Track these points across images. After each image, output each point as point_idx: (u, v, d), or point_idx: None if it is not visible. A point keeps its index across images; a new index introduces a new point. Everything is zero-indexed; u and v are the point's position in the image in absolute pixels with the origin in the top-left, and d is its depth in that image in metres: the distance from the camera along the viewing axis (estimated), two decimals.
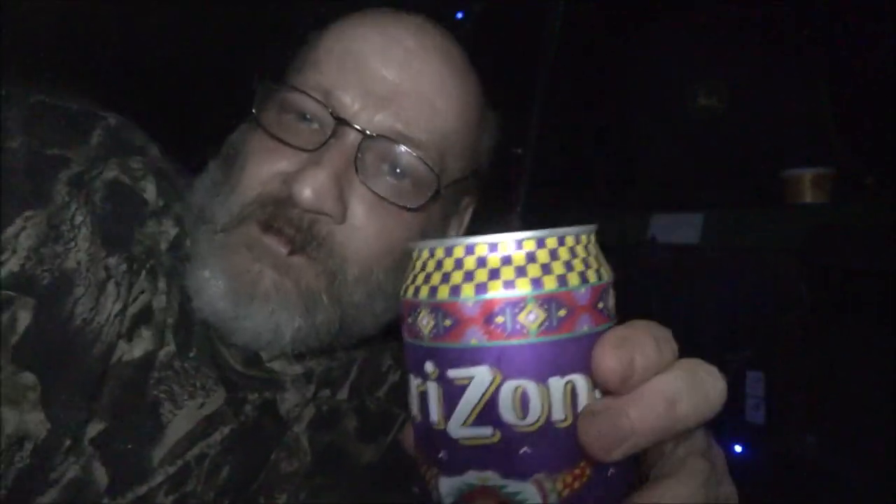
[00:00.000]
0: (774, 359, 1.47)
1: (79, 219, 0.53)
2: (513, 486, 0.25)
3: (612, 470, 0.26)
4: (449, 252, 0.27)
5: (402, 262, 0.54)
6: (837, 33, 1.39)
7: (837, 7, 1.36)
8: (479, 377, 0.25)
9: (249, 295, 0.52)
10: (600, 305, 0.27)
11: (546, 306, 0.25)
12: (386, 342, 0.64)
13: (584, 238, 0.28)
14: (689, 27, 1.74)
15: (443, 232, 0.61)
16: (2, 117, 0.52)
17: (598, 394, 0.26)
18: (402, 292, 0.29)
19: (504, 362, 0.25)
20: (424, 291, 0.27)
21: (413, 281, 0.28)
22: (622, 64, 1.89)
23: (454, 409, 0.26)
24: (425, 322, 0.27)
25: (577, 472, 0.25)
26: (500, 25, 1.80)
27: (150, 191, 0.57)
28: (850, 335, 1.39)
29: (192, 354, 0.55)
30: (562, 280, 0.26)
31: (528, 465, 0.25)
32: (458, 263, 0.27)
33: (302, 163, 0.53)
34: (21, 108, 0.53)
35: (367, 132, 0.53)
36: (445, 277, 0.27)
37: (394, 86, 0.54)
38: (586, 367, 0.26)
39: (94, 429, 0.51)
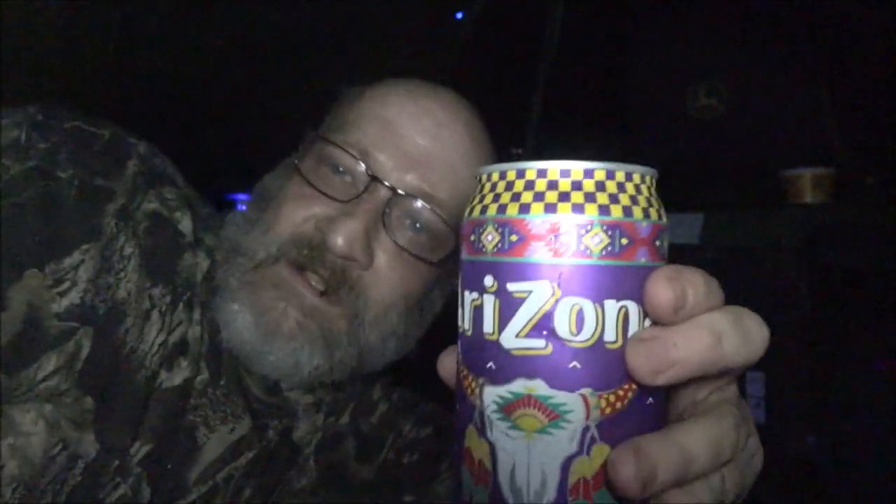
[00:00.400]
0: (774, 359, 1.47)
1: (127, 250, 0.56)
2: (559, 397, 0.26)
3: (650, 399, 0.27)
4: (521, 174, 0.28)
5: (412, 310, 0.62)
6: (838, 33, 1.39)
7: (838, 7, 1.36)
8: (539, 291, 0.26)
9: (274, 331, 0.56)
10: (657, 243, 0.28)
11: (610, 232, 0.27)
12: (378, 376, 0.69)
13: (648, 179, 0.29)
14: (689, 27, 1.74)
15: (445, 285, 0.66)
16: (48, 146, 0.54)
17: (648, 323, 0.27)
18: (466, 213, 0.30)
19: (564, 279, 0.26)
20: (493, 209, 0.28)
21: (480, 201, 0.30)
22: (622, 64, 1.89)
23: (509, 320, 0.27)
24: (490, 238, 0.28)
25: (620, 393, 0.26)
26: (500, 25, 1.80)
27: (185, 223, 0.60)
28: (850, 335, 1.39)
29: (222, 383, 0.59)
30: (627, 211, 0.27)
31: (576, 379, 0.26)
32: (529, 185, 0.28)
33: (335, 211, 0.58)
34: (63, 136, 0.55)
35: (397, 190, 0.58)
36: (515, 197, 0.28)
37: (424, 151, 0.61)
38: (640, 297, 0.27)
39: (141, 451, 0.55)
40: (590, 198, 0.27)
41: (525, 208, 0.27)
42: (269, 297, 0.56)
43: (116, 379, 0.54)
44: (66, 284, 0.52)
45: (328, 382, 0.61)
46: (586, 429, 0.26)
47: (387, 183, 0.58)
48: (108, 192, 0.56)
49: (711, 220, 1.61)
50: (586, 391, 0.26)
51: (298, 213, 0.58)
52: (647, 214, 0.28)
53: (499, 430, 0.27)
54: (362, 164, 0.58)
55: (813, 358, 1.42)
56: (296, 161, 0.61)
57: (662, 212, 0.29)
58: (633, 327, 0.27)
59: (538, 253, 0.27)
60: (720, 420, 0.29)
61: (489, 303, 0.28)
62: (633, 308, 0.27)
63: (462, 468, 0.28)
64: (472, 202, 0.31)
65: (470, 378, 0.28)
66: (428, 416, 0.71)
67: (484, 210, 0.29)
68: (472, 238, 0.29)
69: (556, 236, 0.27)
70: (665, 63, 1.78)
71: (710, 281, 0.29)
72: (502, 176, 0.29)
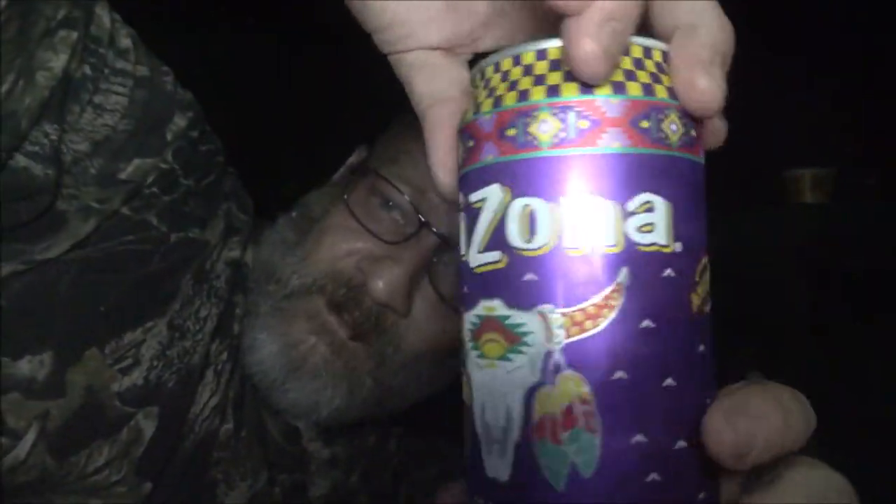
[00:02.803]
0: (774, 359, 1.47)
1: (203, 312, 0.53)
2: (516, 316, 0.22)
3: (648, 322, 0.22)
4: (490, 69, 0.24)
5: (441, 360, 0.57)
6: (838, 33, 1.39)
7: (838, 7, 1.36)
8: (492, 197, 0.23)
9: (299, 366, 0.53)
10: (645, 125, 0.22)
11: (561, 115, 0.22)
12: (394, 427, 0.67)
13: (636, 49, 0.23)
14: None
15: None
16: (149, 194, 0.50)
17: (631, 224, 0.21)
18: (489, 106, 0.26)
19: (513, 179, 0.22)
20: (467, 115, 0.25)
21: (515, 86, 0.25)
22: None
23: (472, 236, 0.24)
24: (461, 151, 0.25)
25: (590, 310, 0.21)
26: None
27: (248, 258, 0.58)
28: (850, 335, 1.39)
29: (243, 434, 0.56)
30: (585, 89, 0.22)
31: (532, 294, 0.22)
32: (487, 83, 0.24)
33: (380, 251, 0.55)
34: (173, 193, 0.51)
35: (448, 240, 0.55)
36: (475, 100, 0.25)
37: None
38: (617, 194, 0.21)
39: None
40: (539, 80, 0.22)
41: (477, 107, 0.24)
42: (298, 330, 0.53)
43: (173, 457, 0.51)
44: (128, 361, 0.49)
45: (345, 430, 0.58)
46: (548, 353, 0.21)
47: (437, 230, 0.54)
48: (201, 245, 0.53)
49: (711, 220, 1.61)
50: (545, 307, 0.21)
51: (341, 246, 0.55)
52: (620, 88, 0.22)
53: (472, 361, 0.23)
54: (414, 206, 0.55)
55: (813, 358, 1.42)
56: (345, 196, 0.57)
57: (663, 90, 0.23)
58: (606, 230, 0.21)
59: (489, 154, 0.23)
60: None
61: (462, 221, 0.24)
62: (604, 206, 0.21)
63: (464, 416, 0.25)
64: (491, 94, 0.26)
65: (460, 311, 0.25)
66: (443, 454, 0.68)
67: (477, 106, 0.25)
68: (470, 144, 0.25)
69: (502, 131, 0.22)
70: None
71: (790, 408, 0.22)
72: (517, 61, 0.24)
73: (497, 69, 0.24)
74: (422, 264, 0.55)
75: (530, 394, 0.22)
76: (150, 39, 0.49)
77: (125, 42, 0.47)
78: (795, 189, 1.47)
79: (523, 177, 0.22)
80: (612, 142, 0.22)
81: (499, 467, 0.22)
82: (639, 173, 0.22)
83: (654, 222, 0.22)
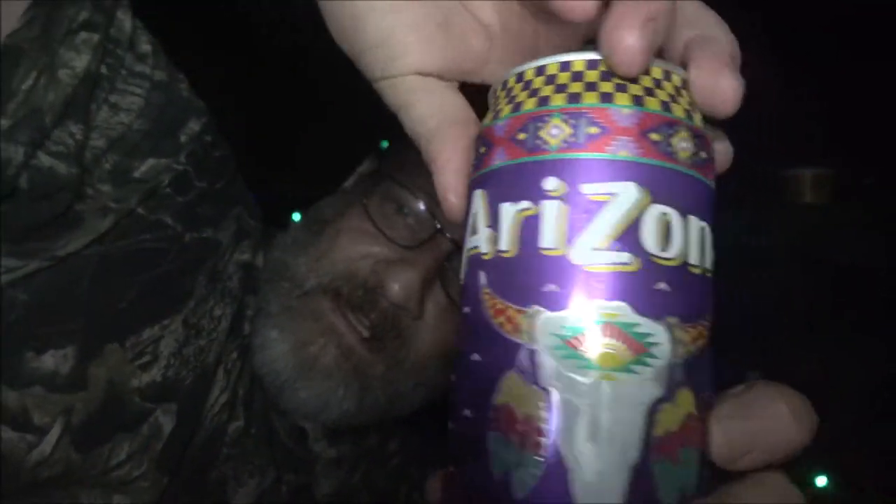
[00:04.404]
0: (774, 359, 1.47)
1: (217, 312, 0.54)
2: (645, 325, 0.21)
3: (711, 348, 0.23)
4: (594, 65, 0.23)
5: (448, 363, 0.56)
6: (838, 33, 1.39)
7: (838, 6, 1.36)
8: (624, 195, 0.21)
9: (310, 366, 0.53)
10: (703, 156, 0.24)
11: (695, 141, 0.23)
12: (396, 428, 0.67)
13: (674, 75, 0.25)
14: None
15: None
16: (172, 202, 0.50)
17: (714, 256, 0.23)
18: (498, 116, 0.25)
19: (655, 183, 0.21)
20: (559, 99, 0.23)
21: (535, 94, 0.24)
22: None
23: (583, 229, 0.21)
24: (555, 132, 0.22)
25: (702, 330, 0.22)
26: None
27: (259, 261, 0.59)
28: (850, 335, 1.39)
29: (253, 431, 0.57)
30: (705, 123, 0.23)
31: (664, 304, 0.21)
32: (606, 75, 0.23)
33: (395, 255, 0.56)
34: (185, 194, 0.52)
35: (461, 245, 0.55)
36: (591, 86, 0.23)
37: None
38: (712, 224, 0.23)
39: None
40: (674, 98, 0.23)
41: (607, 98, 0.22)
42: (309, 330, 0.54)
43: (188, 452, 0.52)
44: (147, 358, 0.50)
45: (350, 431, 0.59)
46: (673, 367, 0.21)
47: (451, 236, 0.56)
48: (214, 245, 0.54)
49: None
50: (673, 320, 0.21)
51: (357, 248, 0.56)
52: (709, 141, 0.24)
53: (563, 372, 0.20)
54: (429, 212, 0.56)
55: (813, 358, 1.42)
56: (364, 200, 0.58)
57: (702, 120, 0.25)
58: (710, 255, 0.22)
59: (625, 149, 0.22)
60: None
61: (551, 210, 0.22)
62: (708, 233, 0.22)
63: (490, 436, 0.21)
64: (511, 101, 0.24)
65: (511, 310, 0.22)
66: (444, 455, 0.68)
67: (545, 101, 0.23)
68: (522, 136, 0.23)
69: (645, 132, 0.22)
70: None
71: (798, 414, 0.22)
72: (566, 68, 0.23)
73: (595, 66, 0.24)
74: (435, 268, 0.56)
75: (653, 409, 0.20)
76: (167, 49, 0.50)
77: (145, 47, 0.48)
78: (795, 189, 1.48)
79: (665, 185, 0.22)
80: (711, 175, 0.24)
81: (605, 495, 0.20)
82: (711, 201, 0.24)
83: (706, 250, 0.23)
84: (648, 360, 0.20)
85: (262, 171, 0.66)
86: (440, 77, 0.29)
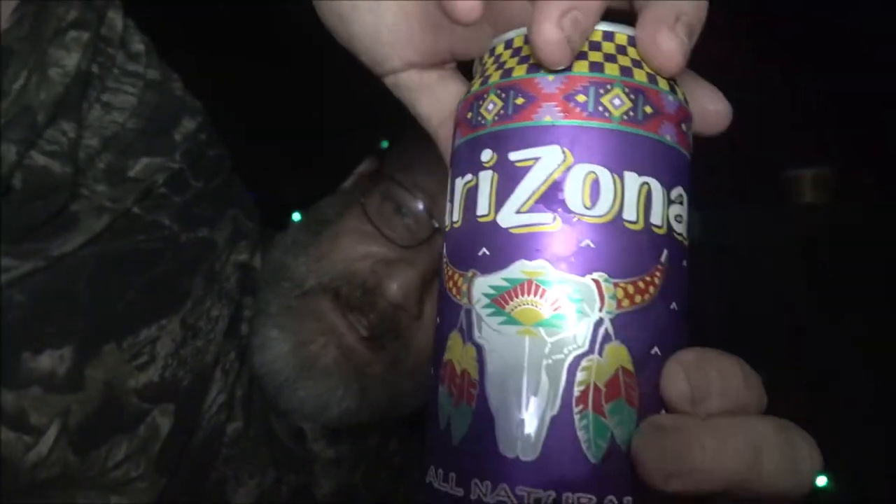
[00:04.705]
0: (774, 359, 1.47)
1: (214, 313, 0.54)
2: (568, 281, 0.21)
3: (674, 305, 0.22)
4: (528, 39, 0.23)
5: None
6: (838, 33, 1.39)
7: (838, 6, 1.36)
8: (548, 157, 0.22)
9: (310, 365, 0.53)
10: (684, 128, 0.24)
11: (633, 96, 0.22)
12: (395, 428, 0.67)
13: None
14: None
15: None
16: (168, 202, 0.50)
17: (674, 211, 0.23)
18: (462, 97, 0.26)
19: (579, 143, 0.22)
20: (496, 76, 0.24)
21: (481, 74, 0.25)
22: None
23: (510, 194, 0.22)
24: (491, 107, 0.24)
25: (641, 285, 0.22)
26: None
27: (256, 262, 0.59)
28: (850, 335, 1.39)
29: (252, 431, 0.57)
30: (652, 78, 0.23)
31: (589, 260, 0.21)
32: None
33: (394, 255, 0.56)
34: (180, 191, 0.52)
35: None
36: (524, 59, 0.24)
37: None
38: (665, 179, 0.23)
39: None
40: (610, 58, 0.23)
41: (534, 68, 0.23)
42: (310, 329, 0.54)
43: (186, 453, 0.52)
44: (144, 358, 0.49)
45: (349, 431, 0.59)
46: (599, 322, 0.21)
47: None
48: (210, 246, 0.54)
49: (711, 219, 1.61)
50: (600, 276, 0.21)
51: (356, 248, 0.56)
52: (673, 89, 0.24)
53: (490, 328, 0.22)
54: (428, 212, 0.56)
55: (813, 358, 1.42)
56: (362, 199, 0.59)
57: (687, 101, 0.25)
58: (657, 211, 0.22)
59: (548, 114, 0.22)
60: None
61: (485, 180, 0.23)
62: (656, 188, 0.22)
63: (440, 391, 0.23)
64: (471, 84, 0.26)
65: (456, 276, 0.23)
66: None
67: (485, 81, 0.24)
68: (469, 115, 0.25)
69: (570, 95, 0.22)
70: None
71: (749, 374, 0.23)
72: (508, 45, 0.25)
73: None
74: (434, 268, 0.56)
75: (575, 363, 0.21)
76: (161, 49, 0.50)
77: (137, 47, 0.48)
78: (795, 189, 1.48)
79: (591, 144, 0.22)
80: (666, 133, 0.23)
81: (524, 444, 0.21)
82: (679, 168, 0.24)
83: (682, 214, 0.24)
84: (570, 314, 0.21)
85: (260, 172, 0.66)
86: (434, 65, 0.29)
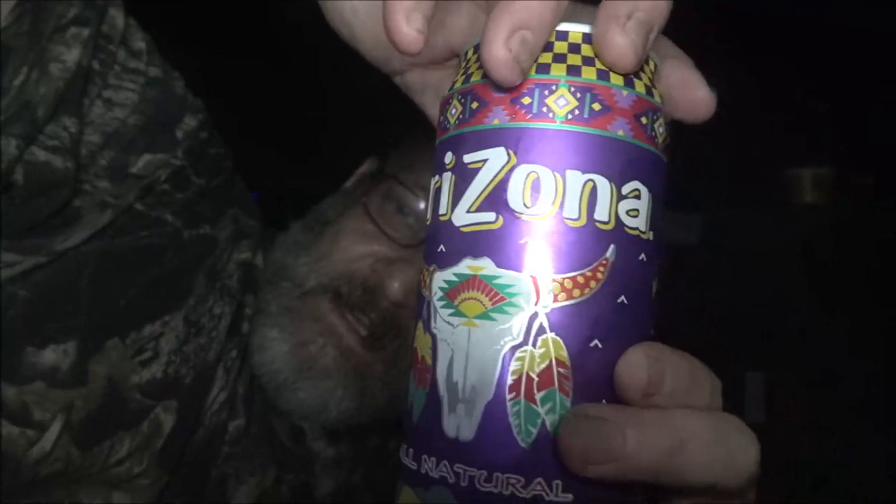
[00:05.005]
0: (774, 359, 1.47)
1: (217, 310, 0.54)
2: (505, 277, 0.23)
3: (623, 298, 0.23)
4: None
5: None
6: (838, 32, 1.39)
7: (838, 7, 1.36)
8: (494, 159, 0.23)
9: (310, 366, 0.53)
10: (643, 120, 0.24)
11: (579, 95, 0.23)
12: (396, 427, 0.67)
13: (650, 62, 0.25)
14: (688, 27, 1.73)
15: None
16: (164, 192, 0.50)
17: (624, 207, 0.23)
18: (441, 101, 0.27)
19: (521, 145, 0.23)
20: (459, 81, 0.25)
21: (452, 78, 0.26)
22: None
23: (462, 195, 0.24)
24: (454, 111, 0.25)
25: (580, 279, 0.23)
26: None
27: (258, 261, 0.59)
28: (850, 335, 1.39)
29: (253, 430, 0.57)
30: (603, 75, 0.23)
31: (527, 256, 0.22)
32: None
33: (395, 254, 0.55)
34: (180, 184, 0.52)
35: None
36: (481, 65, 0.24)
37: None
38: (614, 175, 0.23)
39: None
40: (559, 58, 0.24)
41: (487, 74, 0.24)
42: (309, 329, 0.54)
43: (188, 450, 0.52)
44: (148, 354, 0.50)
45: (349, 431, 0.59)
46: (534, 315, 0.22)
47: None
48: (212, 243, 0.54)
49: (711, 220, 1.61)
50: (537, 272, 0.22)
51: (356, 248, 0.56)
52: (630, 83, 0.24)
53: (441, 319, 0.24)
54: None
55: (813, 358, 1.42)
56: (364, 199, 0.58)
57: (658, 95, 0.25)
58: (602, 207, 0.23)
59: (497, 118, 0.23)
60: None
61: (447, 181, 0.24)
62: (602, 185, 0.23)
63: (410, 375, 0.25)
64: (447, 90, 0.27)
65: (424, 271, 0.25)
66: None
67: (452, 86, 0.26)
68: (441, 119, 0.26)
69: (516, 98, 0.23)
70: None
71: (700, 371, 0.24)
72: (475, 50, 0.25)
73: None
74: None
75: (510, 353, 0.22)
76: (162, 47, 0.50)
77: (139, 44, 0.48)
78: (795, 189, 1.48)
79: (533, 145, 0.23)
80: (618, 129, 0.23)
81: (462, 425, 0.22)
82: (635, 162, 0.24)
83: (639, 209, 0.24)
84: (507, 308, 0.22)
85: (262, 171, 0.66)
86: (436, 63, 0.29)
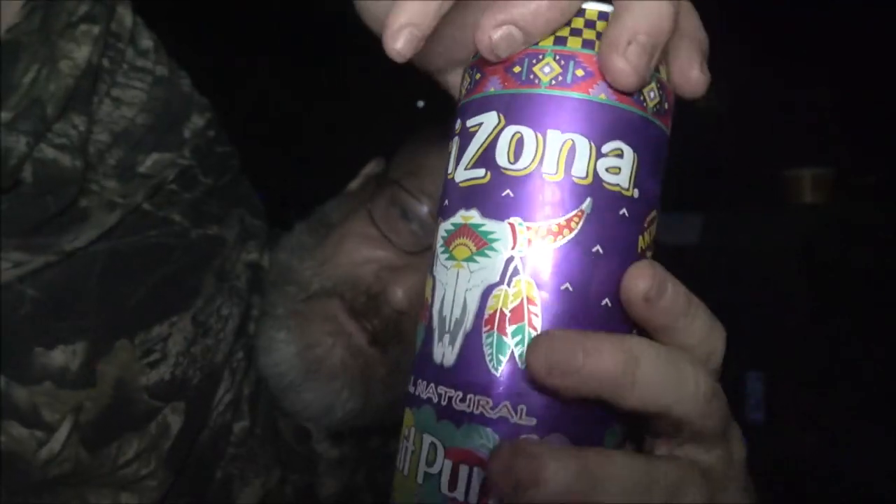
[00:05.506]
0: (774, 359, 1.47)
1: (225, 311, 0.54)
2: (488, 225, 0.26)
3: (597, 247, 0.25)
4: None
5: None
6: (838, 32, 1.39)
7: (838, 6, 1.36)
8: (487, 122, 0.26)
9: (317, 368, 0.53)
10: None
11: (563, 62, 0.26)
12: (398, 428, 0.67)
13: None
14: None
15: None
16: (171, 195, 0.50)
17: (604, 165, 0.25)
18: None
19: (510, 108, 0.26)
20: (470, 58, 0.29)
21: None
22: None
23: (462, 155, 0.27)
24: (464, 84, 0.28)
25: (553, 227, 0.25)
26: None
27: (265, 261, 0.59)
28: (850, 335, 1.39)
29: (258, 430, 0.57)
30: (588, 44, 0.26)
31: (507, 207, 0.25)
32: None
33: (399, 260, 0.56)
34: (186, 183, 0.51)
35: None
36: None
37: None
38: (594, 135, 0.25)
39: None
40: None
41: None
42: (316, 332, 0.54)
43: (194, 451, 0.52)
44: (156, 355, 0.49)
45: (354, 431, 0.59)
46: (510, 259, 0.25)
47: None
48: (220, 243, 0.54)
49: (711, 220, 1.61)
50: (515, 220, 0.25)
51: (360, 252, 0.56)
52: None
53: (440, 263, 0.27)
54: (433, 218, 0.56)
55: (813, 358, 1.42)
56: (368, 205, 0.58)
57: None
58: (580, 162, 0.25)
59: (492, 86, 0.27)
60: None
61: (454, 145, 0.28)
62: (582, 143, 0.25)
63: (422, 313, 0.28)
64: None
65: (438, 223, 0.28)
66: None
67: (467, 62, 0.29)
68: (458, 93, 0.29)
69: (508, 68, 0.26)
70: None
71: (700, 307, 0.25)
72: None
73: None
74: None
75: (488, 291, 0.25)
76: (168, 46, 0.50)
77: (146, 43, 0.48)
78: (795, 189, 1.48)
79: (519, 108, 0.26)
80: (600, 92, 0.26)
81: (447, 353, 0.26)
82: (618, 123, 0.26)
83: (620, 167, 0.26)
84: (489, 252, 0.25)
85: (267, 171, 0.65)
86: (462, 65, 0.31)
